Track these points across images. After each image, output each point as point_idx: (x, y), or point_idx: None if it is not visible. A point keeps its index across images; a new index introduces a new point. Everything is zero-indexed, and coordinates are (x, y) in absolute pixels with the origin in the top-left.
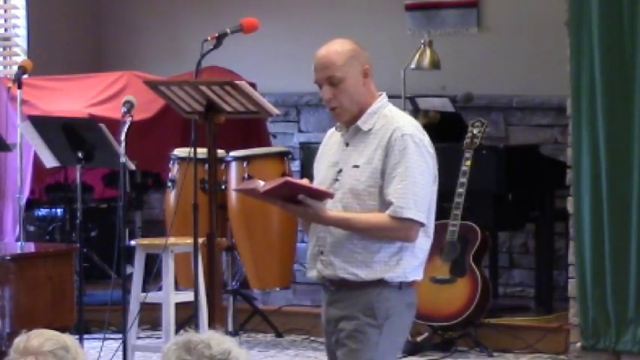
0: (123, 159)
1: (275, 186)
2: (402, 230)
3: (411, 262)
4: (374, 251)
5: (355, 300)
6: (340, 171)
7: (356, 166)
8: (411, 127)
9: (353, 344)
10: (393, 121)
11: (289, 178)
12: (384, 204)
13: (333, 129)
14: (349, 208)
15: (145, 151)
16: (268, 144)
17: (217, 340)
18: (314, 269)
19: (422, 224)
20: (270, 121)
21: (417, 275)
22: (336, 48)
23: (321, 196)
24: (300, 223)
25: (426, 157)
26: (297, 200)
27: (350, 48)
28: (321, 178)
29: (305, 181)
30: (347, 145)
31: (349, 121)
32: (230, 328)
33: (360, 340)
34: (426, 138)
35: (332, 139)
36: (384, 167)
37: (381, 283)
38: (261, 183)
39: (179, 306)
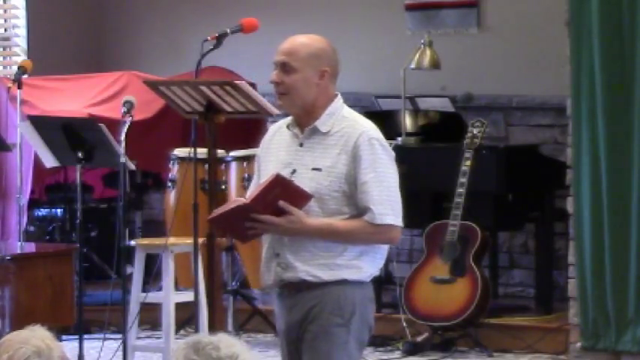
0: (123, 159)
1: (268, 183)
2: (383, 234)
3: (372, 265)
4: (336, 254)
5: (318, 300)
6: (294, 172)
7: (317, 169)
8: (375, 130)
9: (322, 345)
10: (356, 125)
11: (279, 173)
12: (357, 209)
13: (278, 124)
14: (310, 212)
15: (145, 151)
16: None
17: (226, 342)
18: (270, 273)
19: (401, 227)
20: (271, 121)
21: (375, 274)
22: (306, 41)
23: (300, 200)
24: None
25: (392, 161)
26: (277, 211)
27: (319, 46)
28: None
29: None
30: (301, 145)
31: (305, 122)
32: (230, 328)
33: (328, 340)
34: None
35: (279, 136)
36: (351, 172)
37: (342, 282)
38: (241, 199)
39: (179, 306)
